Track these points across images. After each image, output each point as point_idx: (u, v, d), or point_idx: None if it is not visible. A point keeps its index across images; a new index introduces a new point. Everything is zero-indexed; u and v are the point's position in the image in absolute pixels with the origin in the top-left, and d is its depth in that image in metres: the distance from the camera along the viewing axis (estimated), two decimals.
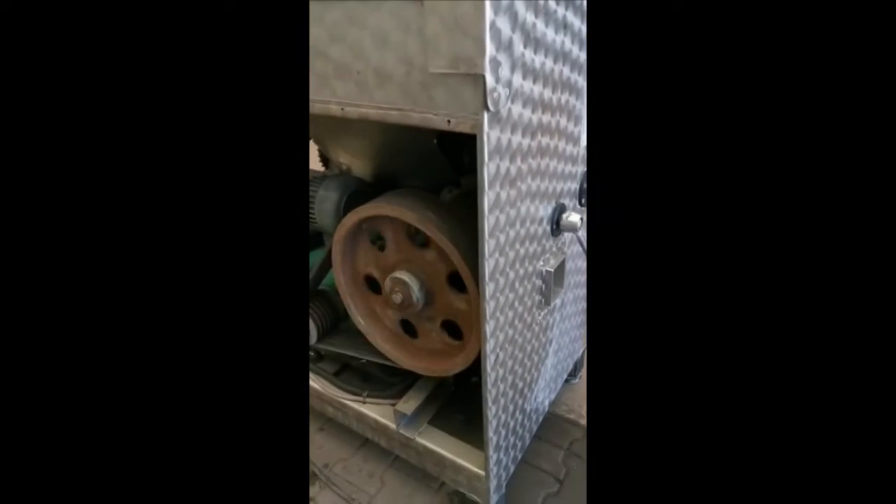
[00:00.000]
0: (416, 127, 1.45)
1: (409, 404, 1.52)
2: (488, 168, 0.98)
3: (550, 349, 1.62)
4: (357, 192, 1.53)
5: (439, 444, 1.50)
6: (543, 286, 1.37)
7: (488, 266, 1.07)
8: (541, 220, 1.28)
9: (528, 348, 1.42)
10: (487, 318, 1.13)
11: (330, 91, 1.09)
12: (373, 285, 1.49)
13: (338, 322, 1.74)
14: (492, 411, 1.28)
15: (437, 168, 1.59)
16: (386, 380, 1.75)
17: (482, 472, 1.40)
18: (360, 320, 1.47)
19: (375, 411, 1.63)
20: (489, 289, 1.10)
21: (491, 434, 1.32)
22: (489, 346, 1.17)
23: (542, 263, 1.34)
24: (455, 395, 1.69)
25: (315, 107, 1.13)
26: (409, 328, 1.48)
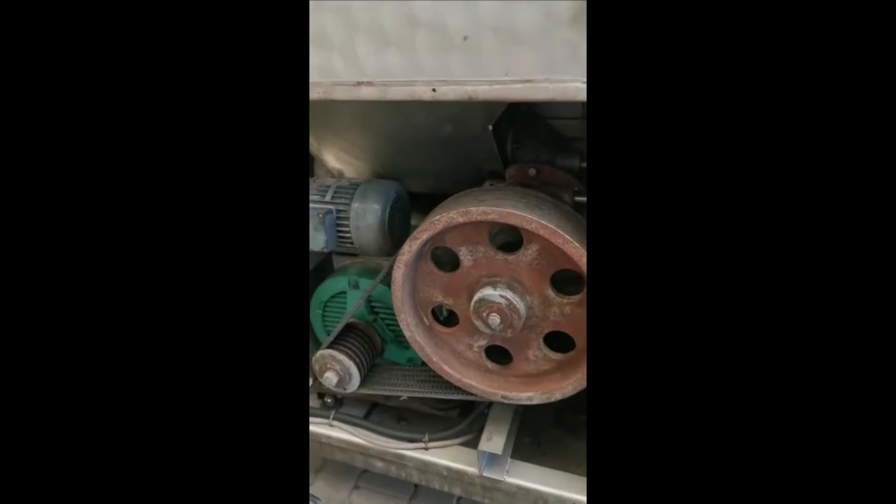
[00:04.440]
0: (464, 113, 1.24)
1: (494, 442, 1.29)
2: None
3: None
4: (399, 200, 1.26)
5: (535, 480, 1.29)
6: None
7: None
8: None
9: None
10: None
11: (416, 69, 0.83)
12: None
13: (374, 359, 1.45)
14: None
15: (480, 160, 1.37)
16: (434, 414, 1.50)
17: None
18: (443, 365, 1.21)
19: (443, 456, 1.38)
20: None
21: None
22: None
23: None
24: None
25: (391, 91, 0.86)
26: (494, 355, 1.24)
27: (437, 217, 1.01)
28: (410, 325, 1.18)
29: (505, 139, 1.36)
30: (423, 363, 1.49)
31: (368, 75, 0.87)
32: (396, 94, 0.86)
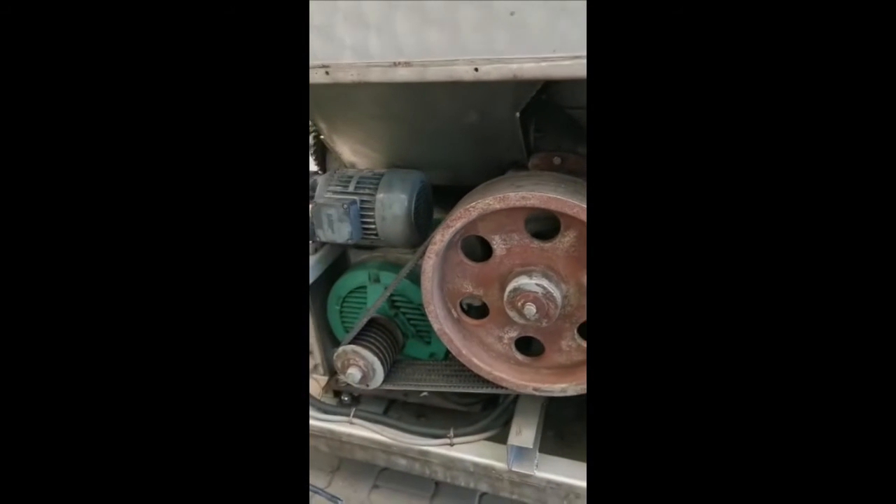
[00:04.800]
0: (491, 99, 1.20)
1: (524, 436, 1.26)
2: None
3: None
4: (424, 190, 1.23)
5: (566, 474, 1.26)
6: None
7: None
8: None
9: None
10: None
11: (458, 47, 0.80)
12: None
13: (396, 354, 1.42)
14: None
15: (503, 149, 1.34)
16: (456, 410, 1.47)
17: None
18: (473, 358, 1.18)
19: (469, 452, 1.35)
20: None
21: None
22: None
23: None
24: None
25: (429, 72, 0.83)
26: (523, 346, 1.21)
27: (472, 204, 0.98)
28: (440, 318, 1.14)
29: (528, 128, 1.34)
30: (445, 357, 1.46)
31: (406, 55, 0.83)
32: (435, 74, 0.83)
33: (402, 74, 0.85)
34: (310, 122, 1.49)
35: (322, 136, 1.51)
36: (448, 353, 1.46)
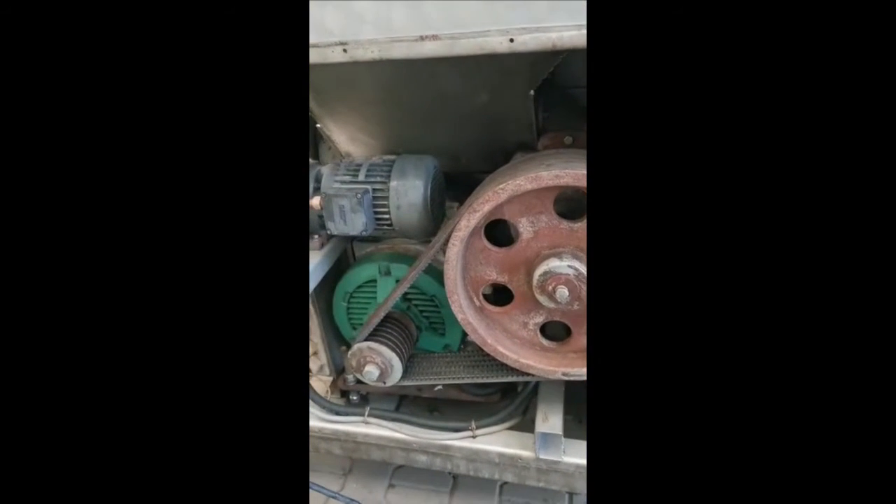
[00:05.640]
0: (505, 78, 1.16)
1: (551, 422, 1.23)
2: None
3: None
4: (437, 176, 1.17)
5: None
6: None
7: None
8: None
9: None
10: None
11: (491, 17, 0.75)
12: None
13: (412, 348, 1.37)
14: None
15: (511, 131, 1.29)
16: (471, 401, 1.43)
17: None
18: (498, 347, 1.14)
19: (493, 442, 1.32)
20: None
21: None
22: None
23: None
24: None
25: (458, 45, 0.78)
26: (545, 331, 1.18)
27: (500, 186, 0.93)
28: (463, 307, 1.10)
29: (536, 108, 1.30)
30: (461, 348, 1.43)
31: (434, 28, 0.78)
32: (466, 47, 0.78)
33: (430, 49, 0.79)
34: None
35: (318, 125, 1.43)
36: (462, 343, 1.43)
